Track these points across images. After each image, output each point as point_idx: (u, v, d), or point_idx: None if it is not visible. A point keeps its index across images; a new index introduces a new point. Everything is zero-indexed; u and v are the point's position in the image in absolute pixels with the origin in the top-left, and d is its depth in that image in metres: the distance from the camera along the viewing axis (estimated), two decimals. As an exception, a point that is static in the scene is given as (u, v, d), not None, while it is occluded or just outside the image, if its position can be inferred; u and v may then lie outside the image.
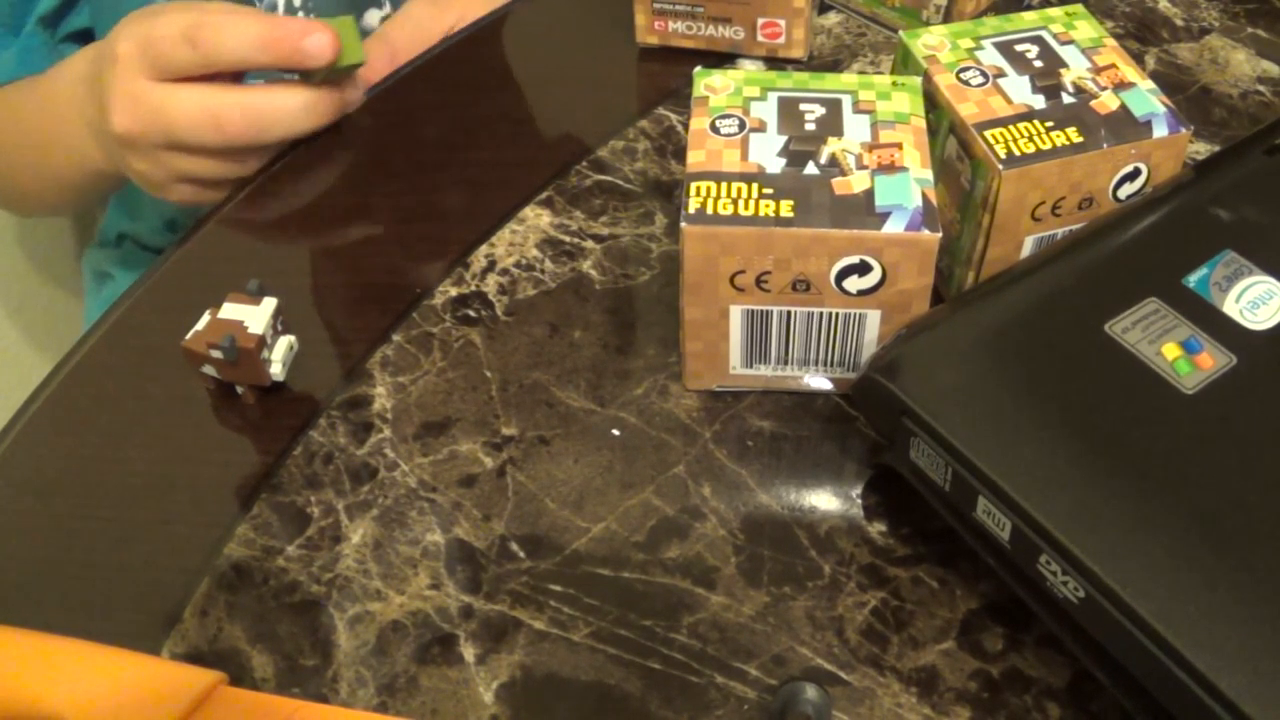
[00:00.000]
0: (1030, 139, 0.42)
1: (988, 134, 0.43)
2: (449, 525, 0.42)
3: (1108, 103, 0.44)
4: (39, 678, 0.36)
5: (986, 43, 0.47)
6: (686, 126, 0.55)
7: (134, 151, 0.56)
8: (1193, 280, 0.40)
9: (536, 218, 0.52)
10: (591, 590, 0.40)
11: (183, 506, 0.43)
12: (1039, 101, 0.44)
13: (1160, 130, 0.43)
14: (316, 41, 0.52)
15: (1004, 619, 0.38)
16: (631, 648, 0.38)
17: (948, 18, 0.58)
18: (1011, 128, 0.43)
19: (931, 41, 0.47)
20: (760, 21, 0.58)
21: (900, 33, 0.48)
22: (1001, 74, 0.45)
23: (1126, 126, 0.43)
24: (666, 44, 0.60)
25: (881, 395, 0.38)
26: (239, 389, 0.45)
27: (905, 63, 0.47)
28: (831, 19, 0.62)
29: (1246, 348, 0.38)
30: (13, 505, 0.43)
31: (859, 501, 0.42)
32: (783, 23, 0.58)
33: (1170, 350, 0.38)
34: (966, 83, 0.45)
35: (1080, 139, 0.43)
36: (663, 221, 0.52)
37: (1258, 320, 0.38)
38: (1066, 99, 0.44)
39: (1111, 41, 0.47)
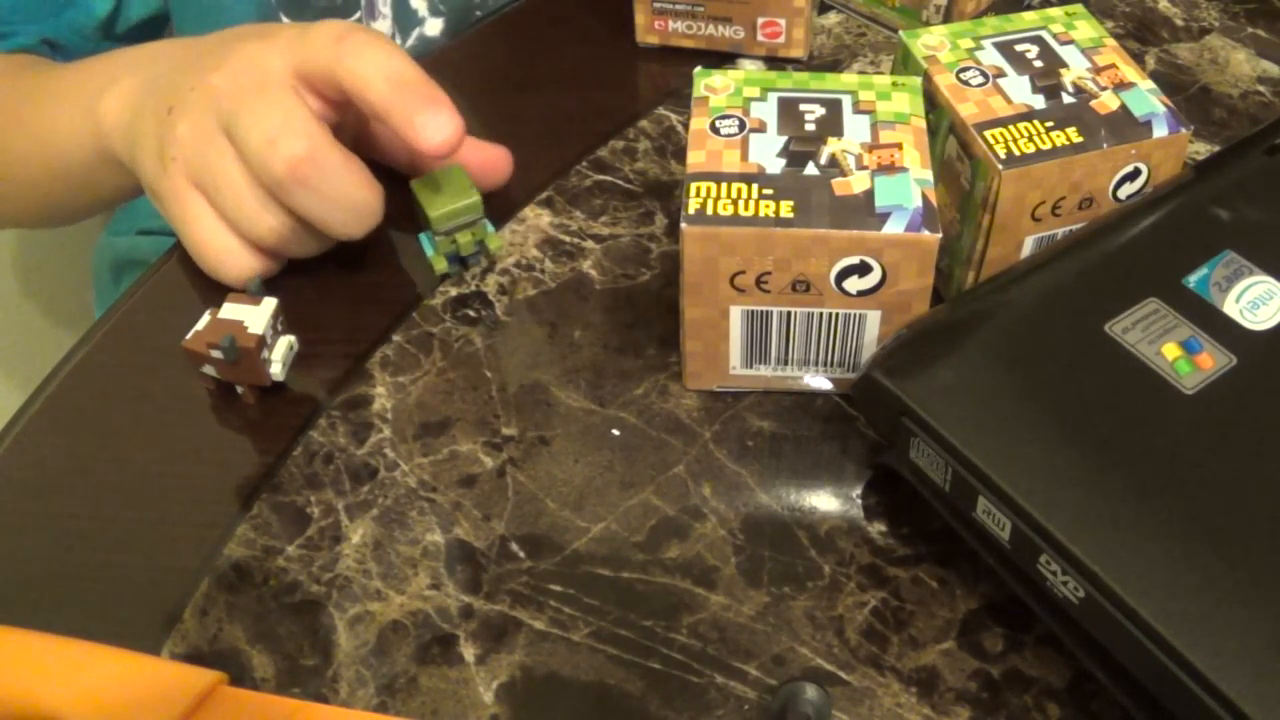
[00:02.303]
0: (1030, 139, 0.42)
1: (988, 134, 0.43)
2: (449, 525, 0.42)
3: (1108, 103, 0.44)
4: (39, 678, 0.36)
5: (986, 43, 0.47)
6: (686, 126, 0.55)
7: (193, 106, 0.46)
8: (1193, 280, 0.40)
9: (536, 218, 0.52)
10: (591, 590, 0.40)
11: (183, 506, 0.43)
12: (1039, 101, 0.44)
13: (1160, 130, 0.43)
14: (439, 122, 0.44)
15: (1004, 619, 0.38)
16: (631, 648, 0.38)
17: (948, 18, 0.57)
18: (1011, 128, 0.43)
19: (931, 41, 0.47)
20: (760, 21, 0.58)
21: (900, 33, 0.48)
22: (1001, 74, 0.45)
23: (1126, 126, 0.43)
24: (666, 44, 0.60)
25: (881, 395, 0.38)
26: (239, 389, 0.45)
27: (905, 63, 0.47)
28: (831, 19, 0.62)
29: (1246, 348, 0.38)
30: (13, 505, 0.43)
31: (859, 501, 0.42)
32: (783, 22, 0.58)
33: (1170, 350, 0.38)
34: (966, 83, 0.45)
35: (1080, 139, 0.43)
36: (663, 221, 0.52)
37: (1258, 320, 0.38)
38: (1066, 99, 0.44)
39: (1111, 41, 0.47)
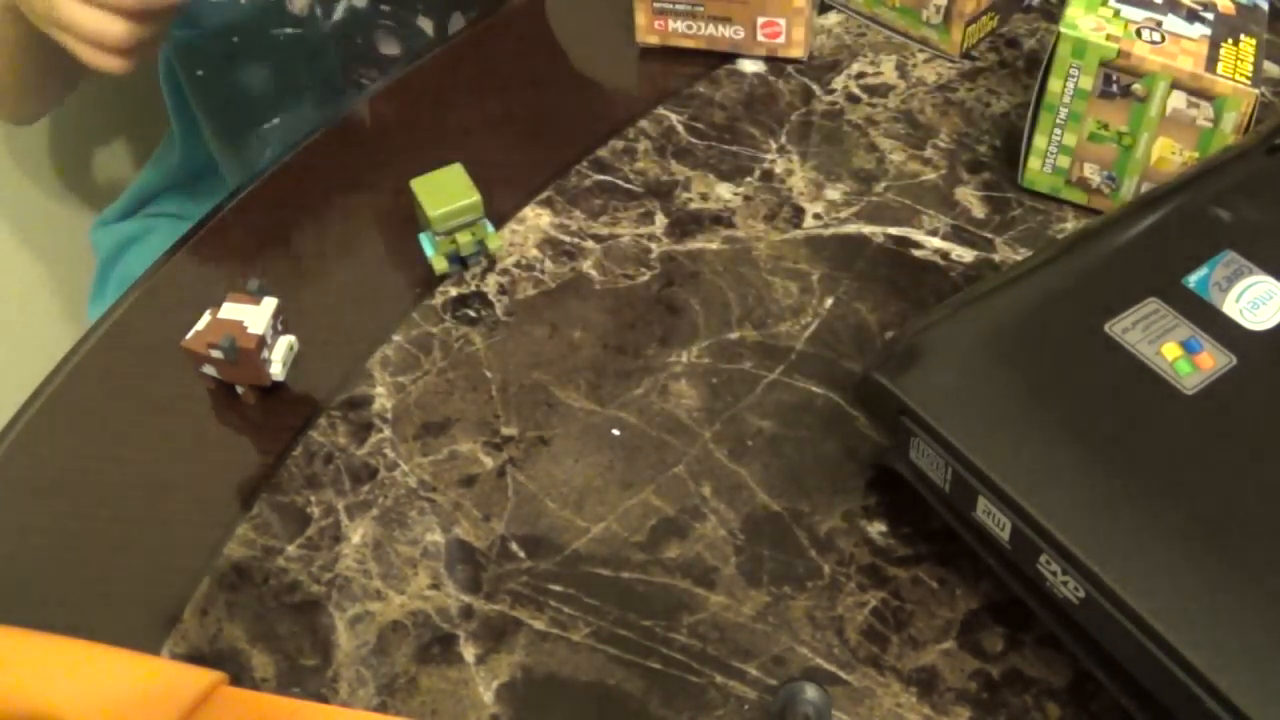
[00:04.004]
0: (1236, 61, 0.45)
1: (1215, 70, 0.44)
2: (449, 525, 0.42)
3: (1228, 6, 0.47)
4: (39, 678, 0.36)
5: (1117, 5, 0.48)
6: (686, 127, 0.55)
7: None
8: (1193, 280, 0.40)
9: (536, 218, 0.52)
10: (591, 590, 0.40)
11: (183, 506, 0.43)
12: (1200, 30, 0.46)
13: (1265, 6, 0.47)
14: None
15: (1004, 619, 0.38)
16: (631, 648, 0.38)
17: (947, 17, 0.58)
18: (1221, 62, 0.45)
19: (1093, 24, 0.48)
20: (760, 21, 0.58)
21: (1058, 28, 0.48)
22: (1159, 23, 0.47)
23: (1252, 17, 0.46)
24: (666, 44, 0.60)
25: (881, 395, 0.38)
26: (239, 389, 0.45)
27: (1075, 54, 0.47)
28: (831, 19, 0.62)
29: (1246, 348, 0.38)
30: (13, 505, 0.43)
31: (859, 501, 0.42)
32: (783, 22, 0.58)
33: (1170, 350, 0.38)
34: (1152, 42, 0.46)
35: (1252, 41, 0.45)
36: (663, 221, 0.52)
37: (1258, 320, 0.38)
38: (1210, 18, 0.46)
39: None
